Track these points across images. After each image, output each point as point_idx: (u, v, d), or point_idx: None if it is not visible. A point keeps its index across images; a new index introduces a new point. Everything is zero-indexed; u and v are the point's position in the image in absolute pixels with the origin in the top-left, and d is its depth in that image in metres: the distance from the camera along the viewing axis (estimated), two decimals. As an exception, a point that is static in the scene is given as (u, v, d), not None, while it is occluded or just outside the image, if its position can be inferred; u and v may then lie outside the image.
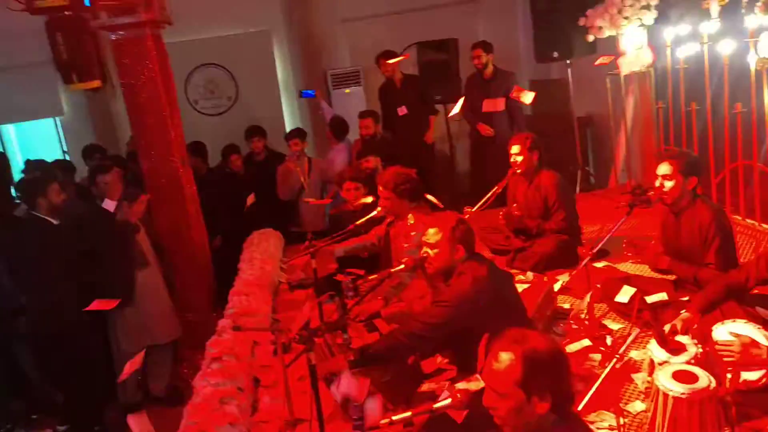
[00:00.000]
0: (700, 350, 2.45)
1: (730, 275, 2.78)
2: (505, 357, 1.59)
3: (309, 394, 2.89)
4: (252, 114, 7.15)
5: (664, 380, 2.31)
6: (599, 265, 3.88)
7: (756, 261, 2.69)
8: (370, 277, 3.88)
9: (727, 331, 2.44)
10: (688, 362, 2.40)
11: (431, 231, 2.77)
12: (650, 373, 2.57)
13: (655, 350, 2.53)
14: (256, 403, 3.08)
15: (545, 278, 3.85)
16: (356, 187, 4.20)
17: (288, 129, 6.60)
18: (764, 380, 2.35)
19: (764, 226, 4.27)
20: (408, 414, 1.70)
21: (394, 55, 5.93)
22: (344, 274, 4.14)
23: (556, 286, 3.61)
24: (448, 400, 1.70)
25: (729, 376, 2.34)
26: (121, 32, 4.31)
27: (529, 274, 3.98)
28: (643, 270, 3.85)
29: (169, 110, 4.49)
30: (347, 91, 7.07)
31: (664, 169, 3.15)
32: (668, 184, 3.15)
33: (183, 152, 4.71)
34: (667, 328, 2.54)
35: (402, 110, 6.11)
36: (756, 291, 2.81)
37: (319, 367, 2.58)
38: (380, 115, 6.11)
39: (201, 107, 7.66)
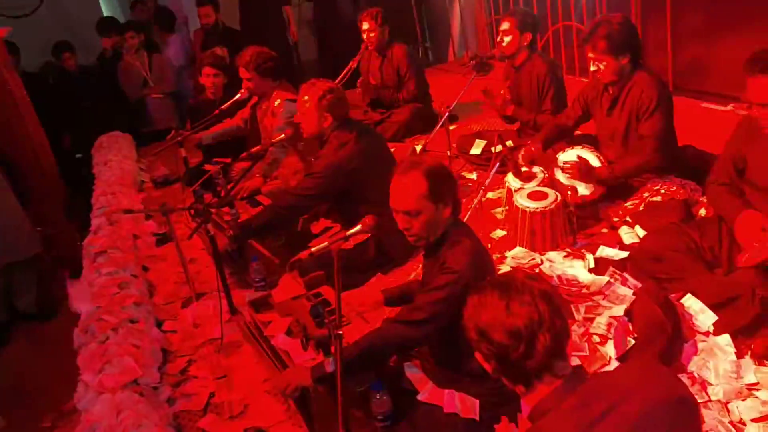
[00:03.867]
0: (546, 175, 2.90)
1: (558, 117, 3.25)
2: (409, 179, 1.81)
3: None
4: (65, 15, 6.47)
5: (522, 200, 2.74)
6: (451, 127, 4.24)
7: (572, 104, 3.18)
8: (239, 162, 3.98)
9: (570, 155, 2.90)
10: (538, 185, 2.85)
11: (304, 98, 2.87)
12: (507, 202, 3.00)
13: (511, 181, 2.96)
14: (151, 288, 3.12)
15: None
16: (215, 73, 4.10)
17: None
18: (597, 194, 2.86)
19: (584, 79, 4.86)
20: (325, 244, 1.89)
21: None
22: (212, 164, 4.17)
23: (418, 148, 3.93)
24: (358, 227, 1.90)
25: (570, 192, 2.81)
26: None
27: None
28: (491, 125, 4.35)
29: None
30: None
31: (504, 25, 3.50)
32: (507, 39, 3.51)
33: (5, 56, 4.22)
34: (519, 160, 2.95)
35: None
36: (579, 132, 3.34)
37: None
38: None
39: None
